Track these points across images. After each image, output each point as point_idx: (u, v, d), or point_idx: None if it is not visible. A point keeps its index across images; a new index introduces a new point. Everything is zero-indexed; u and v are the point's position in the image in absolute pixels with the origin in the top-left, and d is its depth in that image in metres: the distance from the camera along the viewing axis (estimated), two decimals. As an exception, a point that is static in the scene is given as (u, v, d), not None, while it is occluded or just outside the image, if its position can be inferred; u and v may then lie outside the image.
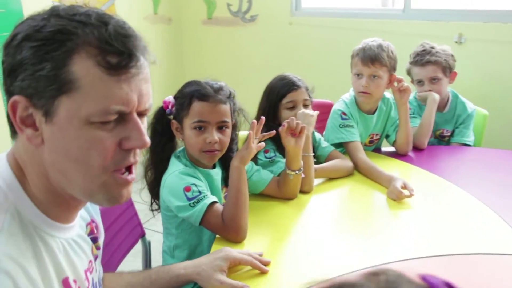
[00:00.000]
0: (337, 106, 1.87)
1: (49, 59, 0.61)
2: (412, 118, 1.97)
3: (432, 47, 2.02)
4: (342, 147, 1.82)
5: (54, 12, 0.64)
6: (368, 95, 1.78)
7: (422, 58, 2.00)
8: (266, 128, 1.49)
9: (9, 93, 0.65)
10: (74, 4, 0.67)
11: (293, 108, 1.57)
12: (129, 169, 0.71)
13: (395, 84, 1.78)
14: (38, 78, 0.61)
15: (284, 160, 1.49)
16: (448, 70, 2.01)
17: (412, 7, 2.96)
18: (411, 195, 1.45)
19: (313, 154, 1.56)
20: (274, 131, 1.35)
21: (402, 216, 1.40)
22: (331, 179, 1.65)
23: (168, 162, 1.32)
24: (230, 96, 1.30)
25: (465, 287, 1.04)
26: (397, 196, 1.46)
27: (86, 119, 0.63)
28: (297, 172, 1.43)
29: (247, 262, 1.07)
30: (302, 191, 1.51)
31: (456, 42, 2.79)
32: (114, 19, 0.65)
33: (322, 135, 1.85)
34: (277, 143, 1.56)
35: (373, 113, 1.89)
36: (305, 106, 1.59)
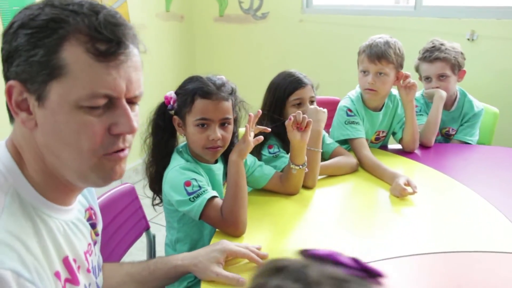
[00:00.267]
0: (343, 102, 1.86)
1: (42, 46, 0.64)
2: (419, 115, 1.95)
3: (442, 44, 1.98)
4: (348, 143, 1.81)
5: (49, 2, 0.67)
6: (374, 92, 1.76)
7: (431, 54, 1.97)
8: (271, 123, 1.50)
9: (6, 79, 0.68)
10: None
11: (300, 105, 1.58)
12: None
13: (401, 82, 1.77)
14: (31, 64, 0.65)
15: (287, 156, 1.49)
16: (456, 67, 1.97)
17: (424, 4, 2.93)
18: (414, 192, 1.44)
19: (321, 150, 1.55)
20: (269, 129, 1.35)
21: (405, 213, 1.40)
22: (334, 175, 1.65)
23: (171, 157, 1.33)
24: (232, 92, 1.31)
25: (467, 284, 1.04)
26: (400, 193, 1.45)
27: (76, 104, 0.66)
28: (300, 167, 1.43)
29: (244, 255, 1.08)
30: (305, 186, 1.51)
31: (468, 39, 2.75)
32: (106, 9, 0.68)
33: (328, 132, 1.85)
34: (282, 139, 1.56)
35: (380, 110, 1.87)
36: (311, 102, 1.60)
